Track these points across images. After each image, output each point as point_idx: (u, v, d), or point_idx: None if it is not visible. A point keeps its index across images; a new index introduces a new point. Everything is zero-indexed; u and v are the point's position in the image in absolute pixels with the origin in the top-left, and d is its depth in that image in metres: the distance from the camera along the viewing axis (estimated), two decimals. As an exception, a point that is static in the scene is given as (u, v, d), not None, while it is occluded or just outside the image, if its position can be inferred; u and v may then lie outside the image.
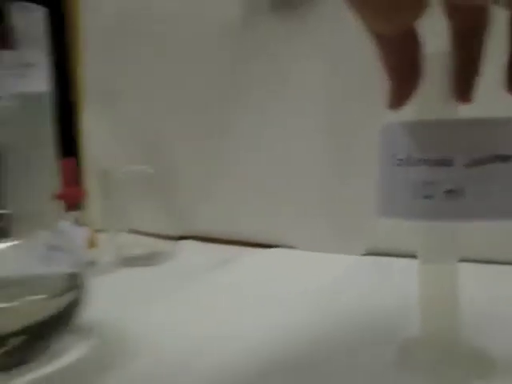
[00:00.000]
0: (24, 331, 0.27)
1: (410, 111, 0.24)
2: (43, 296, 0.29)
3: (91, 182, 0.61)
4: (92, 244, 0.53)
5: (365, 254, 0.51)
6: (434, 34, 0.24)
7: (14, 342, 0.27)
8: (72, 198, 0.48)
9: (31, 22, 0.56)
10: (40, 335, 0.28)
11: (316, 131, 0.53)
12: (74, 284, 0.30)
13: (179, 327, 0.34)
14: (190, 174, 0.60)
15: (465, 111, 0.23)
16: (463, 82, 0.22)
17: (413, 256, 0.43)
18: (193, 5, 0.60)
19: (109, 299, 0.34)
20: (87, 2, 0.69)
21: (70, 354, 0.29)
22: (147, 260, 0.51)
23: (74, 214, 0.54)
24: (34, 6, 0.57)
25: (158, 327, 0.34)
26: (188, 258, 0.52)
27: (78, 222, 0.52)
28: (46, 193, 0.37)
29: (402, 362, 0.27)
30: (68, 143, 0.65)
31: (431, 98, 0.23)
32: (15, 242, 0.30)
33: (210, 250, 0.57)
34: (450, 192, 0.21)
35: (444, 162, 0.21)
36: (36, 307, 0.29)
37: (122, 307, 0.37)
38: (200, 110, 0.60)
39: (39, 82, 0.56)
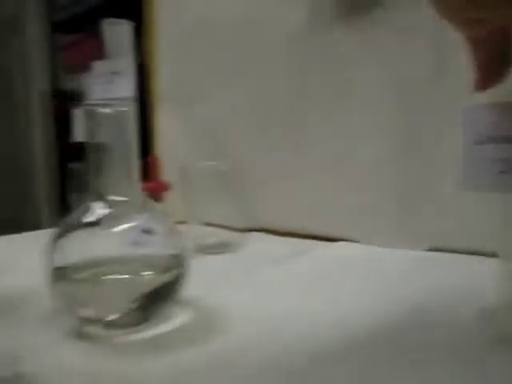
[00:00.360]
0: (139, 298, 0.33)
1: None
2: (153, 272, 0.35)
3: (167, 178, 0.67)
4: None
5: (428, 250, 0.52)
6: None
7: (132, 306, 0.32)
8: (156, 191, 0.53)
9: (120, 35, 0.63)
10: (150, 303, 0.34)
11: (381, 130, 0.56)
12: (176, 263, 0.35)
13: (255, 307, 0.38)
14: (261, 170, 0.65)
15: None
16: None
17: (476, 253, 0.46)
18: (263, 11, 0.64)
19: (194, 279, 0.39)
20: (164, 13, 0.75)
21: (173, 320, 0.35)
22: (220, 248, 0.56)
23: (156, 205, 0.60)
24: (122, 20, 0.63)
25: (237, 305, 0.38)
26: (258, 247, 0.56)
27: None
28: (136, 186, 0.41)
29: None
30: (144, 142, 0.72)
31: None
32: (122, 226, 0.36)
33: (279, 241, 0.61)
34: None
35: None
36: (148, 280, 0.34)
37: (207, 286, 0.41)
38: (270, 109, 0.64)
39: (125, 87, 0.62)
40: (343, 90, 0.59)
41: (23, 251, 0.59)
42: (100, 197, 0.36)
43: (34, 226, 1.93)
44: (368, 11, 0.56)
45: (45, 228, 1.90)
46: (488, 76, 0.26)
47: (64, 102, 1.86)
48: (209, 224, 0.57)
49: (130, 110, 0.39)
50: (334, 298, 0.39)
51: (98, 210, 0.35)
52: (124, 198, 0.36)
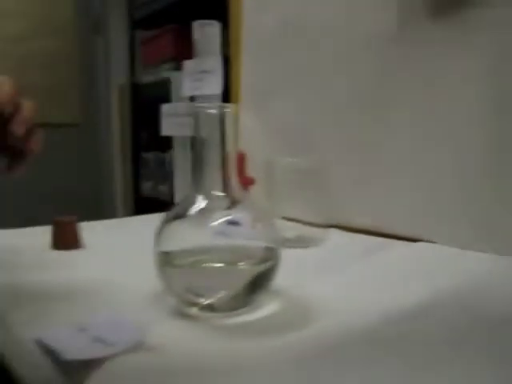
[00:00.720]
0: (235, 287, 0.36)
1: None
2: (249, 263, 0.37)
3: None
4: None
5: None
6: None
7: (228, 293, 0.35)
8: (243, 186, 0.56)
9: (209, 35, 0.66)
10: (246, 291, 0.36)
11: (465, 132, 0.55)
12: (270, 255, 0.38)
13: (340, 298, 0.40)
14: (339, 167, 0.66)
15: None
16: None
17: None
18: (348, 11, 0.65)
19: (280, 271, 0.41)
20: (248, 12, 0.78)
21: (265, 308, 0.37)
22: (299, 243, 0.58)
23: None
24: (211, 21, 0.67)
25: (323, 296, 0.40)
26: (337, 243, 0.57)
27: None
28: (234, 180, 0.43)
29: None
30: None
31: None
32: (220, 218, 0.39)
33: (356, 238, 0.62)
34: None
35: None
36: (244, 271, 0.37)
37: (293, 278, 0.43)
38: (349, 107, 0.65)
39: (214, 85, 0.66)
40: (428, 89, 0.58)
41: (122, 235, 0.65)
42: (201, 190, 0.39)
43: (110, 211, 2.05)
44: (458, 10, 0.55)
45: (119, 214, 2.00)
46: None
47: (140, 95, 1.95)
48: (289, 218, 0.59)
49: (231, 110, 0.41)
50: (412, 295, 0.40)
51: (199, 203, 0.38)
52: (222, 192, 0.39)
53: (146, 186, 1.97)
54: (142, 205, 1.97)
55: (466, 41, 0.54)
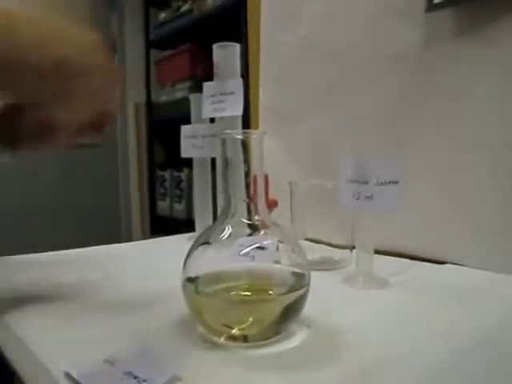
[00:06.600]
0: (264, 317, 0.35)
1: None
2: (278, 291, 0.36)
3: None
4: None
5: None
6: None
7: (263, 325, 0.34)
8: (267, 208, 0.55)
9: (229, 57, 0.66)
10: (275, 321, 0.35)
11: (495, 147, 0.54)
12: (300, 282, 0.36)
13: (369, 327, 0.39)
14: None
15: None
16: None
17: None
18: (373, 30, 0.65)
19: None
20: (268, 37, 0.78)
21: (295, 337, 0.36)
22: (323, 265, 0.57)
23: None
24: (231, 43, 0.67)
25: (351, 324, 0.39)
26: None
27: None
28: (262, 204, 0.42)
29: None
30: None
31: None
32: (249, 244, 0.38)
33: (382, 260, 0.61)
34: None
35: None
36: (273, 300, 0.36)
37: (319, 303, 0.41)
38: (375, 129, 0.64)
39: (235, 107, 0.66)
40: (453, 107, 0.57)
41: (143, 259, 0.65)
42: (228, 214, 0.38)
43: (127, 230, 2.05)
44: (481, 28, 0.55)
45: (136, 232, 2.00)
46: None
47: (155, 114, 1.97)
48: (312, 240, 0.58)
49: (258, 136, 0.40)
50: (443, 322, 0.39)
51: (227, 228, 0.38)
52: (250, 216, 0.38)
53: (162, 205, 1.98)
54: (158, 223, 1.98)
55: (492, 57, 0.53)
